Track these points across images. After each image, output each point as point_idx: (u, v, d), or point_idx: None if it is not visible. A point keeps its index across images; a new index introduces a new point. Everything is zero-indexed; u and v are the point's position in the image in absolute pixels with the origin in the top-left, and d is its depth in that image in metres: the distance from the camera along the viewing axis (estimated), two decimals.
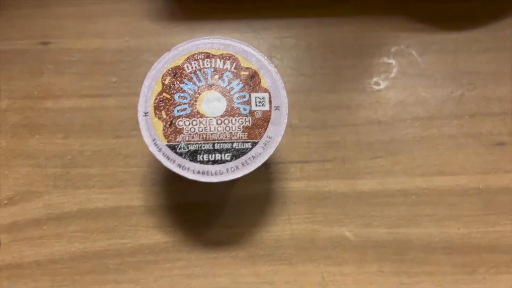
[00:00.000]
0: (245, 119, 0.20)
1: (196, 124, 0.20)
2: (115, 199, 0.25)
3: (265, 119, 0.20)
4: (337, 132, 0.26)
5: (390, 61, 0.27)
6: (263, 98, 0.20)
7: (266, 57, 0.20)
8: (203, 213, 0.25)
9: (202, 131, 0.20)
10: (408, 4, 0.28)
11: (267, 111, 0.20)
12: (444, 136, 0.26)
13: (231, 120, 0.20)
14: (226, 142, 0.20)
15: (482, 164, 0.26)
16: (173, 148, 0.19)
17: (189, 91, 0.20)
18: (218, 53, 0.20)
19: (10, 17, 0.28)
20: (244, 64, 0.20)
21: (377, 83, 0.27)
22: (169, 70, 0.20)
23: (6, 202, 0.25)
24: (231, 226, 0.25)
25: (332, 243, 0.25)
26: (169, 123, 0.20)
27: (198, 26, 0.28)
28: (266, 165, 0.26)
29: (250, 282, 0.24)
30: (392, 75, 0.27)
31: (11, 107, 0.26)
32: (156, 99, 0.20)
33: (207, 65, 0.20)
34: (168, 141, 0.19)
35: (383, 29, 0.28)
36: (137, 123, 0.25)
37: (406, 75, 0.27)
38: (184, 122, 0.20)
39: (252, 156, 0.20)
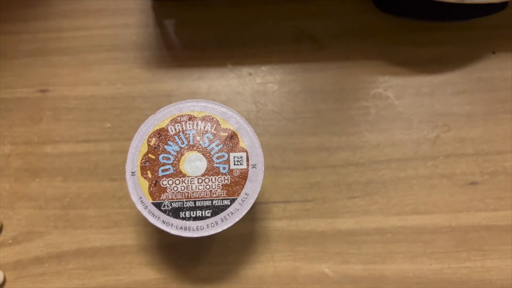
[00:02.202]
0: (224, 177, 0.21)
1: (179, 183, 0.21)
2: (111, 239, 0.27)
3: (243, 177, 0.22)
4: (317, 173, 0.28)
5: (368, 104, 0.29)
6: (241, 158, 0.22)
7: (244, 119, 0.22)
8: (192, 251, 0.27)
9: (184, 189, 0.21)
10: (386, 49, 0.30)
11: (244, 169, 0.22)
12: (419, 176, 0.28)
13: (211, 179, 0.21)
14: (206, 200, 0.21)
15: (455, 203, 0.28)
16: (158, 205, 0.21)
17: (173, 152, 0.22)
18: (200, 115, 0.22)
19: (9, 66, 0.29)
20: (223, 125, 0.22)
21: (355, 126, 0.28)
22: (154, 132, 0.22)
23: (10, 241, 0.27)
24: (218, 263, 0.27)
25: (312, 279, 0.27)
26: (154, 182, 0.21)
27: (187, 73, 0.29)
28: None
29: None
30: (370, 118, 0.29)
31: (14, 152, 0.28)
32: (142, 159, 0.22)
33: (189, 127, 0.22)
34: (153, 199, 0.21)
35: (362, 74, 0.29)
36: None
37: (383, 118, 0.29)
38: (168, 181, 0.21)
39: (231, 212, 0.21)
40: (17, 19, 0.30)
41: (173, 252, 0.27)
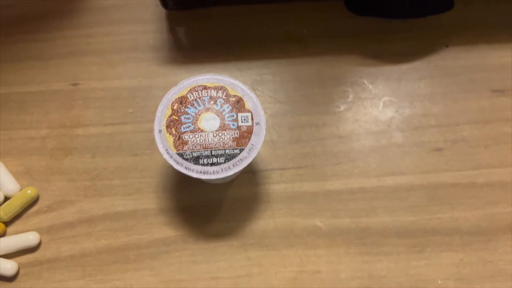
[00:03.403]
0: (234, 132, 0.27)
1: (198, 137, 0.26)
2: (134, 204, 0.32)
3: (249, 131, 0.27)
4: (308, 145, 0.33)
5: (347, 89, 0.35)
6: (247, 117, 0.27)
7: (248, 87, 0.28)
8: (204, 212, 0.32)
9: (202, 142, 0.26)
10: (360, 45, 0.36)
11: (250, 126, 0.27)
12: (393, 145, 0.33)
13: (224, 133, 0.27)
14: (220, 149, 0.26)
15: (425, 166, 0.33)
16: (181, 155, 0.26)
17: (192, 113, 0.27)
18: (213, 85, 0.28)
19: (46, 65, 0.35)
20: (232, 92, 0.27)
21: (338, 106, 0.34)
22: (176, 99, 0.27)
23: (45, 209, 0.31)
24: (227, 221, 0.31)
25: (308, 232, 0.31)
26: (177, 137, 0.26)
27: (196, 68, 0.35)
28: (253, 173, 0.32)
29: (243, 265, 0.30)
30: (349, 99, 0.34)
31: (50, 134, 0.33)
32: (167, 120, 0.27)
33: (205, 94, 0.27)
34: (177, 150, 0.26)
35: (341, 65, 0.35)
36: (150, 144, 0.32)
37: (360, 99, 0.34)
38: (189, 136, 0.26)
39: (240, 159, 0.26)
40: (53, 29, 0.36)
41: (188, 213, 0.32)
